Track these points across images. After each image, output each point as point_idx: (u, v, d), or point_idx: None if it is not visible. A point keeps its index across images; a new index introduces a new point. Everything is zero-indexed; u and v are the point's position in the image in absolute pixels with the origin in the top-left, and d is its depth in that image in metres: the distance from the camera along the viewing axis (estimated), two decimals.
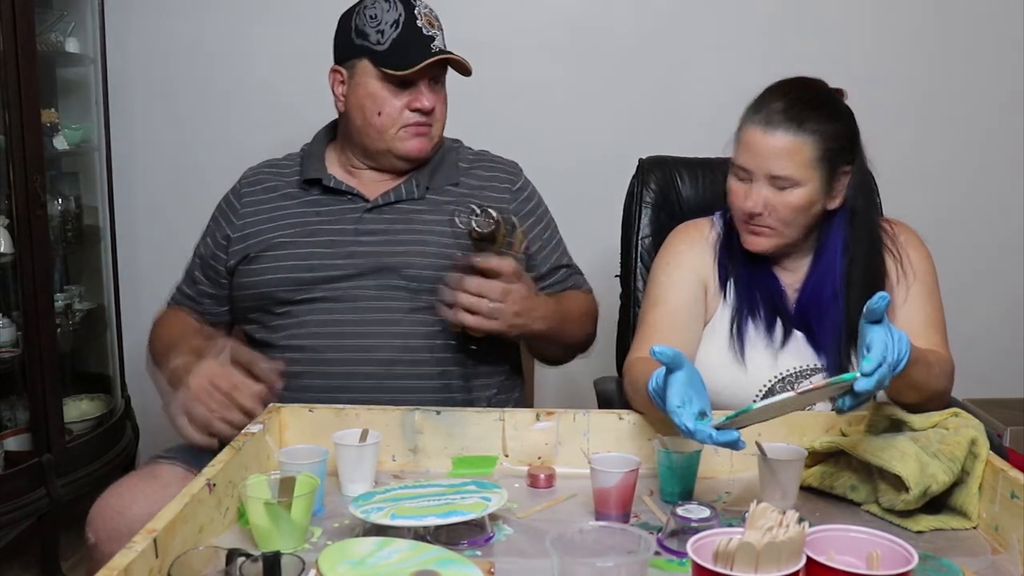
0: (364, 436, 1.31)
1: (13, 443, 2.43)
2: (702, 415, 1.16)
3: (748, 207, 1.46)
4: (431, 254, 1.63)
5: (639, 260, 1.90)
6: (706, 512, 1.14)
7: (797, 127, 1.43)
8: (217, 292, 1.75)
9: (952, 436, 1.24)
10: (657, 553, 1.10)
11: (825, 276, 1.52)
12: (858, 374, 1.13)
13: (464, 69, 1.69)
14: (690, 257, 1.59)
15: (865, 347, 1.15)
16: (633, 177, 1.97)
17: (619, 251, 1.96)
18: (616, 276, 1.98)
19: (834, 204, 1.51)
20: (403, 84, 1.65)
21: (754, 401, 1.51)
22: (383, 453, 1.38)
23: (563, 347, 1.74)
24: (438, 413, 1.41)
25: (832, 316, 1.51)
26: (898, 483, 1.21)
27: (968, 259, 2.82)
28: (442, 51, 1.65)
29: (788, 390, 1.50)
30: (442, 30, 1.69)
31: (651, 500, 1.30)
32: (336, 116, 1.78)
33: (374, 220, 1.67)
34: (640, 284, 1.86)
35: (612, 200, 2.04)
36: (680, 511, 1.14)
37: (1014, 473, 1.18)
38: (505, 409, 1.44)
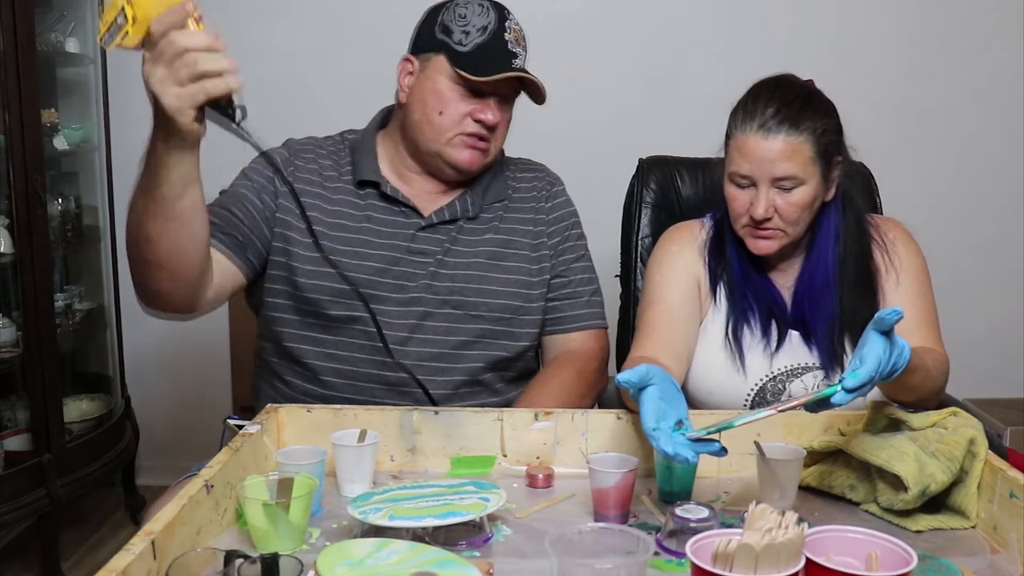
0: (362, 436, 1.31)
1: (13, 443, 2.44)
2: (679, 424, 1.16)
3: (758, 213, 1.46)
4: (476, 279, 1.61)
5: (639, 260, 1.90)
6: (705, 512, 1.14)
7: (795, 128, 1.44)
8: (247, 239, 1.57)
9: (951, 436, 1.24)
10: (656, 553, 1.10)
11: (818, 267, 1.54)
12: (839, 388, 1.12)
13: (539, 95, 1.62)
14: (682, 257, 1.59)
15: (859, 358, 1.13)
16: (633, 177, 1.97)
17: (619, 251, 1.96)
18: (616, 276, 1.98)
19: (829, 196, 1.52)
20: (474, 92, 1.58)
21: (745, 402, 1.53)
22: (381, 453, 1.37)
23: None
24: (436, 413, 1.41)
25: (826, 306, 1.52)
26: (897, 483, 1.20)
27: (968, 259, 2.83)
28: (523, 69, 1.59)
29: (780, 389, 1.53)
30: (526, 51, 1.62)
31: (650, 500, 1.30)
32: (378, 108, 1.73)
33: (426, 240, 1.62)
34: (640, 284, 1.86)
35: (612, 200, 2.04)
36: (679, 511, 1.14)
37: (1013, 473, 1.18)
38: (503, 409, 1.44)
